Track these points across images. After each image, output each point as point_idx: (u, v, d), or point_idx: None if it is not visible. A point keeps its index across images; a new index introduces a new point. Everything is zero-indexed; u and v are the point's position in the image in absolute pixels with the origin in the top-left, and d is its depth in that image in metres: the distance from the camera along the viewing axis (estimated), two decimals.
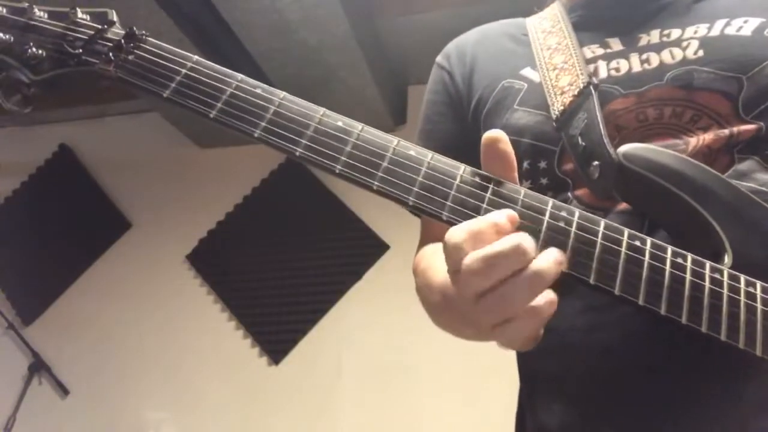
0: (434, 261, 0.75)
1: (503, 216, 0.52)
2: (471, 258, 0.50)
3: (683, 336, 0.61)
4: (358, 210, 3.01)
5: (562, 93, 0.73)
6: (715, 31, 0.73)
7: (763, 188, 0.65)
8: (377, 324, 2.80)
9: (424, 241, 0.88)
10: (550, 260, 0.50)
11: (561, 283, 0.70)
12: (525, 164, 0.76)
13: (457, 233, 0.51)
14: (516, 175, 0.57)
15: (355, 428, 2.68)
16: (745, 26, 0.72)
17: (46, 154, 3.43)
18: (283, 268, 3.00)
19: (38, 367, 2.98)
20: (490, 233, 0.50)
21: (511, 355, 0.81)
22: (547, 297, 0.50)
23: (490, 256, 0.49)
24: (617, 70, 0.75)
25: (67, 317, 3.14)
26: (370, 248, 2.93)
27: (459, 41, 0.92)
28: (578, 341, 0.68)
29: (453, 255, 0.51)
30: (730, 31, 0.73)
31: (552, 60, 0.78)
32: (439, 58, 0.92)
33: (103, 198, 3.31)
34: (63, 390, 2.99)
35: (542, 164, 0.75)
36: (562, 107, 0.72)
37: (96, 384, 2.99)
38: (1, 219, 3.37)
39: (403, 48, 2.81)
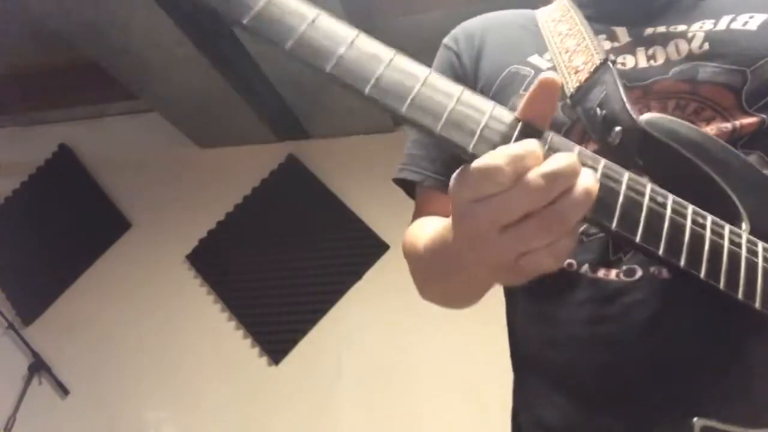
0: (423, 229, 0.76)
1: (537, 146, 0.48)
2: (534, 173, 0.46)
3: (685, 327, 0.61)
4: (358, 210, 3.01)
5: (577, 72, 0.74)
6: (721, 26, 0.74)
7: None
8: (377, 324, 2.80)
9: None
10: (592, 179, 0.47)
11: (562, 275, 0.71)
12: None
13: (494, 155, 0.47)
14: (548, 123, 0.54)
15: (355, 428, 2.68)
16: (750, 21, 0.73)
17: (46, 154, 3.42)
18: (283, 268, 3.00)
19: (38, 367, 2.98)
20: (532, 160, 0.47)
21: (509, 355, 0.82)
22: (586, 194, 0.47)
23: (552, 172, 0.46)
24: (624, 64, 0.76)
25: (67, 317, 3.14)
26: (370, 248, 2.93)
27: (467, 24, 0.92)
28: (580, 333, 0.69)
29: (491, 177, 0.47)
30: (736, 25, 0.73)
31: (564, 44, 0.78)
32: (446, 40, 0.92)
33: (103, 198, 3.31)
34: (63, 390, 2.98)
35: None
36: (577, 84, 0.73)
37: (96, 384, 2.99)
38: (1, 219, 3.37)
39: (403, 48, 2.80)
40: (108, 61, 2.58)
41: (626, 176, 0.53)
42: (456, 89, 0.53)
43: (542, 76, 0.51)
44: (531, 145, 0.48)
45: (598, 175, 0.52)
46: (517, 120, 0.52)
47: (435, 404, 2.61)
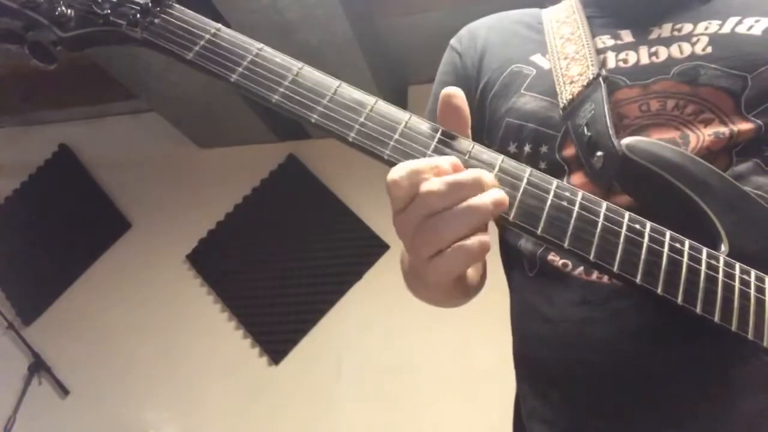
0: None
1: (446, 161, 0.54)
2: (436, 181, 0.52)
3: (674, 334, 0.62)
4: (358, 210, 3.01)
5: (572, 82, 0.75)
6: (726, 29, 0.74)
7: (759, 191, 0.65)
8: (377, 324, 2.80)
9: None
10: (488, 199, 0.52)
11: (557, 276, 0.71)
12: (527, 148, 0.77)
13: (397, 169, 0.53)
14: (469, 132, 0.59)
15: (355, 428, 2.68)
16: (756, 25, 0.73)
17: (46, 154, 3.43)
18: (283, 268, 3.00)
19: (38, 367, 2.98)
20: (430, 174, 0.52)
21: (510, 356, 0.82)
22: (479, 238, 0.52)
23: (453, 182, 0.52)
24: (625, 61, 0.76)
25: (67, 317, 3.14)
26: (370, 248, 2.93)
27: (473, 25, 0.93)
28: (571, 333, 0.69)
29: (393, 191, 0.53)
30: (741, 29, 0.73)
31: (564, 49, 0.79)
32: (452, 41, 0.94)
33: (103, 198, 3.31)
34: (63, 390, 2.99)
35: (543, 149, 0.76)
36: (570, 96, 0.74)
37: (96, 384, 2.99)
38: (1, 219, 3.37)
39: (403, 48, 2.81)
40: (108, 61, 2.58)
41: (603, 207, 0.56)
42: (370, 100, 0.59)
43: (443, 91, 0.57)
44: (435, 161, 0.53)
45: (576, 207, 0.56)
46: (436, 130, 0.57)
47: (435, 404, 2.61)
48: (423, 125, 0.57)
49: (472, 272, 0.79)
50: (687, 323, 0.60)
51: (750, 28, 0.73)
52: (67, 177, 3.38)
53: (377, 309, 2.81)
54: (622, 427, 0.65)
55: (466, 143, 0.57)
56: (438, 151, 0.56)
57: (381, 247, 2.91)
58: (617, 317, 0.66)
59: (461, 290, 0.79)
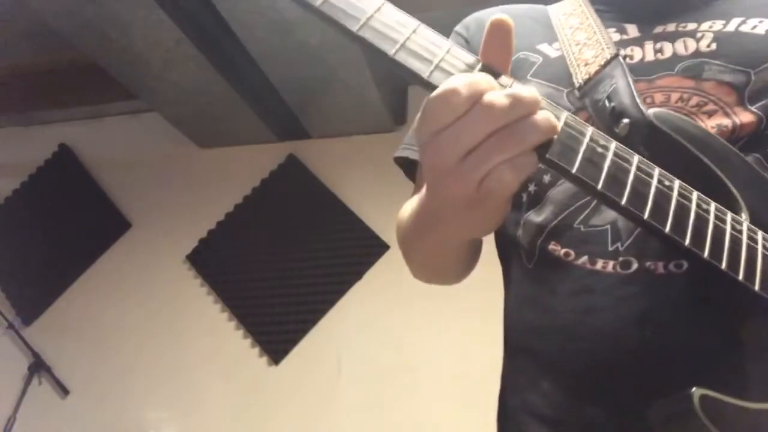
0: (411, 202, 0.78)
1: (489, 76, 0.51)
2: (496, 93, 0.49)
3: (678, 323, 0.62)
4: (358, 210, 3.01)
5: (587, 64, 0.75)
6: (731, 27, 0.75)
7: None
8: (377, 324, 2.80)
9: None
10: (546, 118, 0.50)
11: (558, 265, 0.71)
12: None
13: (454, 78, 0.50)
14: (509, 69, 0.57)
15: (355, 428, 2.68)
16: (759, 26, 0.74)
17: (46, 154, 3.42)
18: (283, 268, 3.00)
19: (38, 367, 2.98)
20: (487, 84, 0.50)
21: None
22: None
23: (518, 96, 0.49)
24: (631, 57, 0.77)
25: (67, 317, 3.14)
26: (370, 248, 2.93)
27: (479, 14, 0.93)
28: (573, 323, 0.69)
29: (450, 99, 0.49)
30: (745, 28, 0.75)
31: (575, 36, 0.80)
32: (457, 27, 0.94)
33: (103, 198, 3.31)
34: (63, 390, 2.98)
35: None
36: (587, 76, 0.74)
37: (96, 384, 2.99)
38: (1, 219, 3.37)
39: None
40: (108, 61, 2.58)
41: (636, 158, 0.56)
42: (413, 23, 0.55)
43: (493, 17, 0.54)
44: (485, 75, 0.51)
45: (610, 153, 0.55)
46: (478, 60, 0.54)
47: (435, 404, 2.61)
48: (464, 54, 0.55)
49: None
50: (691, 311, 0.60)
51: (754, 27, 0.74)
52: (67, 177, 3.38)
53: (377, 309, 2.82)
54: (621, 416, 0.65)
55: (505, 79, 0.55)
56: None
57: (381, 247, 2.91)
58: (620, 306, 0.66)
59: (474, 247, 0.76)
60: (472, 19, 0.93)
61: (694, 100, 0.71)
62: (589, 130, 0.55)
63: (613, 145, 0.56)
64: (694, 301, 0.57)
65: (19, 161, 3.42)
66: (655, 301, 0.64)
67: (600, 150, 0.55)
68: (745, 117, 0.69)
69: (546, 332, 0.72)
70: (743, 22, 0.75)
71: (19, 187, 3.41)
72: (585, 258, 0.70)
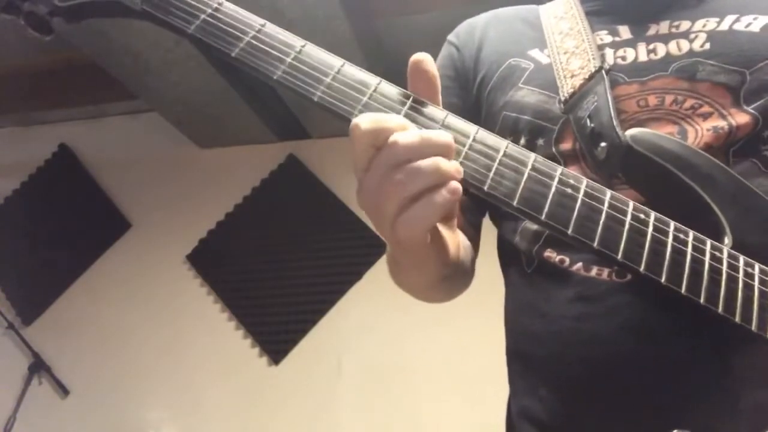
0: None
1: (411, 125, 0.52)
2: (408, 133, 0.50)
3: (672, 331, 0.62)
4: (358, 210, 3.01)
5: (573, 76, 0.75)
6: (724, 26, 0.74)
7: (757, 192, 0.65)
8: (377, 324, 2.80)
9: None
10: (454, 165, 0.51)
11: (554, 272, 0.71)
12: (523, 141, 0.77)
13: (362, 116, 0.50)
14: (440, 100, 0.58)
15: (355, 428, 2.68)
16: (754, 23, 0.73)
17: (46, 154, 3.42)
18: (283, 268, 3.00)
19: (38, 367, 2.98)
20: (398, 129, 0.50)
21: None
22: (448, 186, 0.50)
23: (427, 137, 0.50)
24: (623, 58, 0.76)
25: (67, 317, 3.14)
26: (370, 248, 2.93)
27: (471, 20, 0.93)
28: (567, 329, 0.69)
29: (355, 137, 0.50)
30: (739, 26, 0.74)
31: (563, 44, 0.79)
32: (449, 36, 0.94)
33: (103, 198, 3.31)
34: (63, 390, 2.98)
35: (540, 141, 0.76)
36: (571, 89, 0.74)
37: (96, 384, 2.99)
38: (1, 219, 3.37)
39: (403, 48, 2.80)
40: (108, 61, 2.58)
41: (608, 196, 0.56)
42: (338, 62, 0.57)
43: (412, 57, 0.55)
44: (405, 120, 0.51)
45: (581, 194, 0.55)
46: (407, 96, 0.56)
47: (435, 404, 2.61)
48: (393, 91, 0.56)
49: (449, 238, 0.70)
50: (685, 320, 0.60)
51: (748, 25, 0.73)
52: (67, 177, 3.38)
53: (377, 309, 2.81)
54: (616, 423, 0.65)
55: (438, 112, 0.56)
56: (409, 118, 0.54)
57: (381, 247, 2.91)
58: (615, 313, 0.66)
59: (440, 263, 0.72)
60: (464, 25, 0.93)
61: (689, 103, 0.70)
62: (558, 173, 0.55)
63: (584, 185, 0.55)
64: (687, 310, 0.57)
65: (19, 161, 3.42)
66: (649, 310, 0.63)
67: (570, 192, 0.55)
68: (741, 118, 0.68)
69: (542, 338, 0.72)
70: (737, 20, 0.74)
71: (19, 187, 3.41)
72: (580, 265, 0.70)
